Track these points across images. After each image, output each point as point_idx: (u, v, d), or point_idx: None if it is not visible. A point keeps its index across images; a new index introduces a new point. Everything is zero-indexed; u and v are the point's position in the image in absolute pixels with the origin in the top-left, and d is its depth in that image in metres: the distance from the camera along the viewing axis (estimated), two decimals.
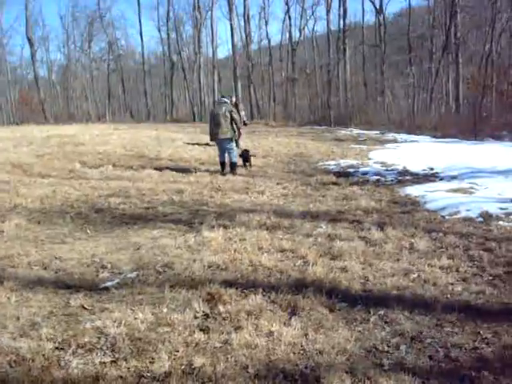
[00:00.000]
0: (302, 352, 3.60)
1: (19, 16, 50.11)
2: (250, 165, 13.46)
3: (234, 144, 12.64)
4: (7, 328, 4.07)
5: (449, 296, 4.53)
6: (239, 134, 13.77)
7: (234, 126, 12.48)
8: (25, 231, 7.35)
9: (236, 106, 14.16)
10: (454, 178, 10.75)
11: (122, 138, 19.67)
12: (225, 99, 13.11)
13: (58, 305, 4.56)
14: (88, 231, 7.30)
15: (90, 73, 52.84)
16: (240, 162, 13.21)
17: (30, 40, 42.53)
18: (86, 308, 4.45)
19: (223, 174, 12.33)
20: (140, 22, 47.54)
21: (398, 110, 34.81)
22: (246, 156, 13.47)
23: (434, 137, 22.95)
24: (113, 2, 64.88)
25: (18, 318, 4.25)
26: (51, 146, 16.33)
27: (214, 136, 12.57)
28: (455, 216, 7.47)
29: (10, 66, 52.42)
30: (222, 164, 12.59)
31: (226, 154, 12.56)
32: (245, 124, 16.08)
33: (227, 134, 12.32)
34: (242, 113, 16.18)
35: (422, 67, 39.18)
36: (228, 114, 12.29)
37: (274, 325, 3.95)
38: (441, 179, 10.85)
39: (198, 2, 43.65)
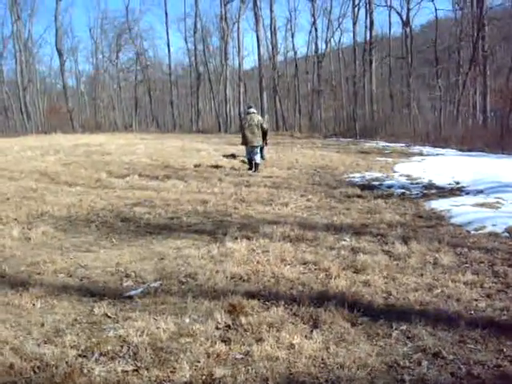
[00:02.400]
0: (322, 365, 3.60)
1: (49, 27, 51.01)
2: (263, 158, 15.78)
3: (259, 149, 14.89)
4: (32, 334, 4.14)
5: (472, 312, 4.48)
6: (266, 143, 15.61)
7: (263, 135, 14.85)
8: (51, 239, 7.46)
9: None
10: (480, 192, 10.61)
11: (147, 147, 19.86)
12: (253, 109, 15.26)
13: (82, 312, 4.62)
14: (113, 240, 7.38)
15: (118, 83, 53.51)
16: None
17: (59, 51, 43.27)
18: (109, 316, 4.50)
19: (251, 169, 14.72)
20: (167, 33, 48.21)
21: (424, 122, 34.52)
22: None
23: (461, 150, 22.71)
24: (141, 14, 65.68)
25: (43, 325, 4.32)
26: (78, 155, 16.56)
27: (248, 142, 14.68)
28: (480, 231, 7.38)
29: (39, 76, 53.37)
30: (250, 162, 14.92)
31: (252, 155, 14.77)
32: None
33: (259, 142, 14.75)
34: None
35: (449, 79, 38.89)
36: (259, 125, 14.65)
37: (296, 337, 3.95)
38: (467, 193, 10.72)
39: (225, 14, 43.96)
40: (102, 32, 53.69)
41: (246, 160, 15.32)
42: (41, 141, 23.20)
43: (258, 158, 14.83)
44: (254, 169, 14.73)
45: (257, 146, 14.71)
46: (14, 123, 44.69)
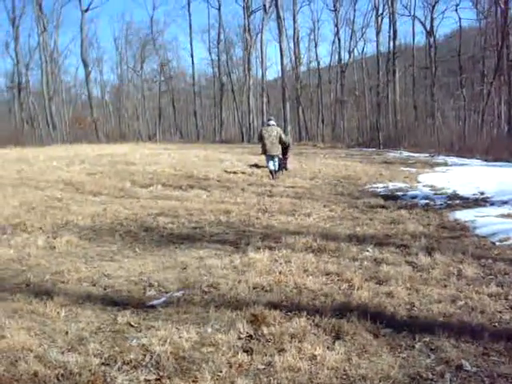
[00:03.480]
0: (344, 377, 3.58)
1: (75, 37, 51.67)
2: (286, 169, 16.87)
3: (277, 158, 15.70)
4: (56, 342, 4.18)
5: (496, 324, 4.43)
6: (287, 158, 16.82)
7: (283, 145, 15.72)
8: (75, 248, 7.54)
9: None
10: (505, 203, 10.48)
11: (171, 157, 19.99)
12: (273, 122, 16.10)
13: (106, 321, 4.65)
14: (136, 249, 7.43)
15: (142, 93, 54.01)
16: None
17: (84, 62, 43.82)
18: (132, 325, 4.53)
19: (273, 178, 15.32)
20: (191, 44, 48.59)
21: (449, 132, 34.25)
22: (283, 165, 16.52)
23: (486, 160, 22.45)
24: (165, 25, 66.47)
25: (67, 333, 4.36)
26: (103, 165, 16.72)
27: (268, 152, 15.44)
28: (505, 242, 7.27)
29: (64, 86, 54.10)
30: (272, 172, 15.56)
31: (272, 164, 15.58)
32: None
33: (277, 151, 15.45)
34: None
35: (474, 89, 38.60)
36: (278, 136, 15.41)
37: (318, 348, 3.93)
38: (491, 204, 10.60)
39: (249, 25, 44.29)
40: (126, 43, 54.53)
41: (268, 169, 15.86)
42: (66, 151, 23.48)
43: (276, 166, 15.69)
44: (273, 177, 15.45)
45: (275, 155, 15.50)
46: (40, 133, 45.23)
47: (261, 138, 15.74)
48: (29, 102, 47.15)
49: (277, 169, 15.70)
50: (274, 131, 15.45)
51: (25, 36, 70.23)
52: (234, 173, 16.20)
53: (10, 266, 6.54)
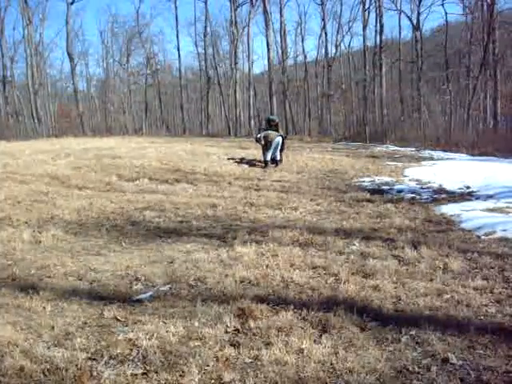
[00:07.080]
0: (331, 370, 3.59)
1: (60, 31, 51.19)
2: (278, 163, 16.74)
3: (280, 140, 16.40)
4: (42, 337, 4.16)
5: (482, 318, 4.46)
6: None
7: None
8: (61, 242, 7.50)
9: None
10: (490, 197, 10.56)
11: (158, 151, 19.86)
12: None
13: (92, 315, 4.64)
14: (123, 243, 7.41)
15: (128, 87, 53.59)
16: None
17: (70, 55, 43.33)
18: (119, 320, 4.52)
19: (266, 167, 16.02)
20: (177, 37, 48.16)
21: (435, 126, 34.32)
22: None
23: (471, 154, 22.55)
24: (151, 18, 65.81)
25: (53, 328, 4.34)
26: (89, 159, 16.57)
27: (269, 138, 16.14)
28: (491, 236, 7.33)
29: (50, 80, 53.65)
30: (266, 162, 16.16)
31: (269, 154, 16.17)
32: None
33: (277, 134, 16.34)
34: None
35: (460, 84, 38.78)
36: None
37: (305, 342, 3.95)
38: (477, 198, 10.66)
39: (235, 18, 44.00)
40: (112, 36, 54.06)
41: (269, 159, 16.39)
42: (51, 144, 23.24)
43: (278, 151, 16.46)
44: (267, 165, 16.14)
45: (275, 136, 16.28)
46: (25, 127, 44.75)
47: (262, 139, 16.28)
48: (14, 95, 46.63)
49: (277, 157, 16.26)
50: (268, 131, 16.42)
51: (9, 29, 69.54)
52: (221, 167, 16.14)
53: None
